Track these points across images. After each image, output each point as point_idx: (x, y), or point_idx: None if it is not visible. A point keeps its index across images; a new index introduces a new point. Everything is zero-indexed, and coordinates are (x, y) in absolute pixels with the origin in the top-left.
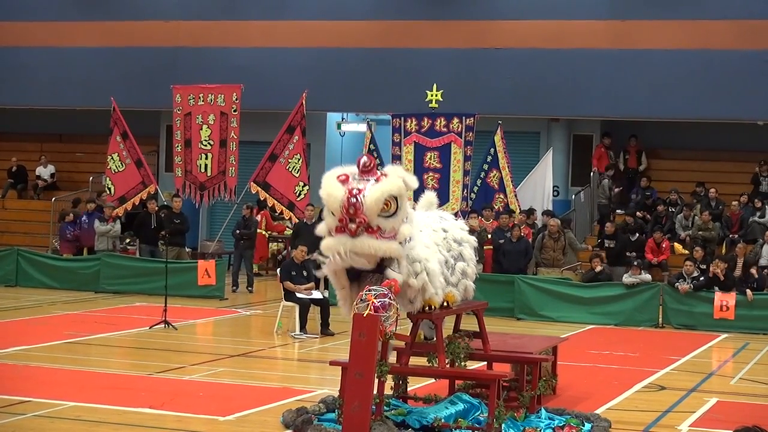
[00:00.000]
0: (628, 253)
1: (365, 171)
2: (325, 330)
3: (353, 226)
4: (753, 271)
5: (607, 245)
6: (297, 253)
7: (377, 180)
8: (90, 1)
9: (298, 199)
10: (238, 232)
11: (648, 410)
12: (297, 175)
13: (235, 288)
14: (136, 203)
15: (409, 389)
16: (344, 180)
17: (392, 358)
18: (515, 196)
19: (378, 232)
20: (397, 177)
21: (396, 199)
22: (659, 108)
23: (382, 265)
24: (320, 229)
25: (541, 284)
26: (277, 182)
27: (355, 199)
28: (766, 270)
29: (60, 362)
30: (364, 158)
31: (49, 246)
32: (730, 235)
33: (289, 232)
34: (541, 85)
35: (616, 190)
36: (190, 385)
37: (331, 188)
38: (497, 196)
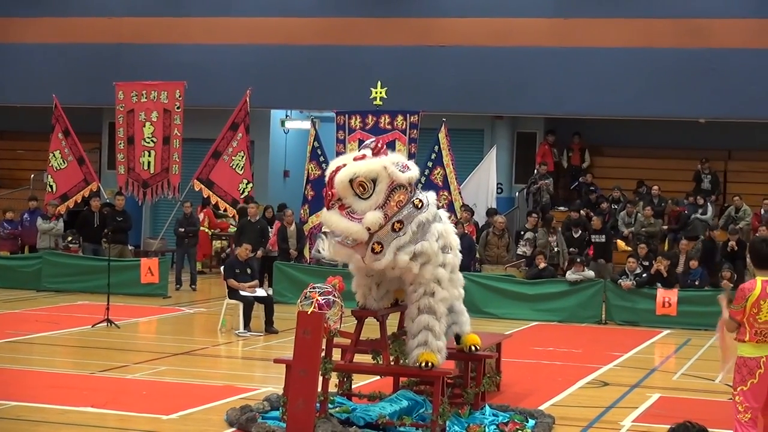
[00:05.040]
0: (570, 250)
1: (375, 153)
2: (269, 328)
3: (329, 198)
4: (693, 263)
5: (595, 240)
6: (241, 250)
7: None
8: None
9: (242, 196)
10: (181, 229)
11: (591, 406)
12: (241, 173)
13: (178, 286)
14: (78, 201)
15: (353, 386)
16: (360, 159)
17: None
18: (459, 193)
19: (346, 210)
20: (379, 162)
21: (373, 182)
22: (602, 106)
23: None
24: None
25: (484, 281)
26: (221, 179)
27: (334, 174)
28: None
29: (1, 361)
30: (374, 140)
31: None
32: (664, 227)
33: (233, 229)
34: (485, 82)
35: (542, 182)
36: (133, 383)
37: (334, 161)
38: (441, 193)
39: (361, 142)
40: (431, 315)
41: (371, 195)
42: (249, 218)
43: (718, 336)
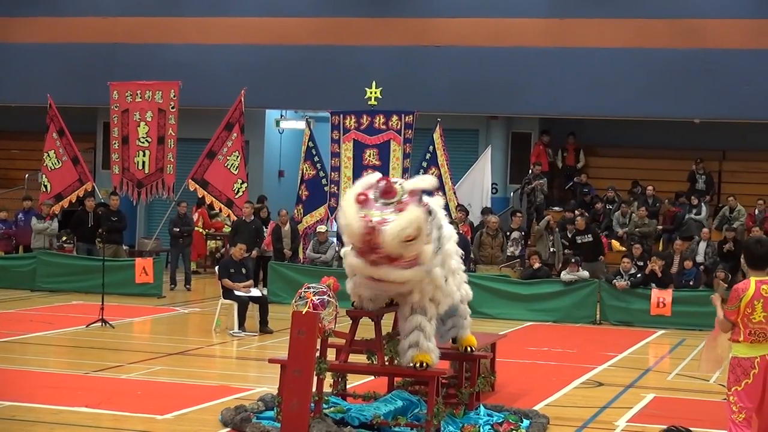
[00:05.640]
0: (566, 251)
1: (385, 194)
2: (264, 328)
3: (373, 257)
4: (687, 263)
5: (581, 240)
6: (236, 250)
7: (398, 207)
8: None
9: (237, 196)
10: (176, 229)
11: (586, 406)
12: (235, 173)
13: (172, 286)
14: (73, 201)
15: (348, 387)
16: (364, 201)
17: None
18: (454, 193)
19: (399, 260)
20: (417, 206)
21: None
22: (597, 106)
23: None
24: (346, 250)
25: (479, 281)
26: (216, 179)
27: (372, 231)
28: (701, 266)
29: None
30: (383, 182)
31: None
32: (659, 228)
33: (227, 229)
34: (480, 82)
35: (536, 183)
36: (128, 383)
37: (350, 217)
38: (436, 193)
39: (355, 142)
40: (423, 315)
41: (417, 238)
42: (243, 218)
43: (710, 335)
